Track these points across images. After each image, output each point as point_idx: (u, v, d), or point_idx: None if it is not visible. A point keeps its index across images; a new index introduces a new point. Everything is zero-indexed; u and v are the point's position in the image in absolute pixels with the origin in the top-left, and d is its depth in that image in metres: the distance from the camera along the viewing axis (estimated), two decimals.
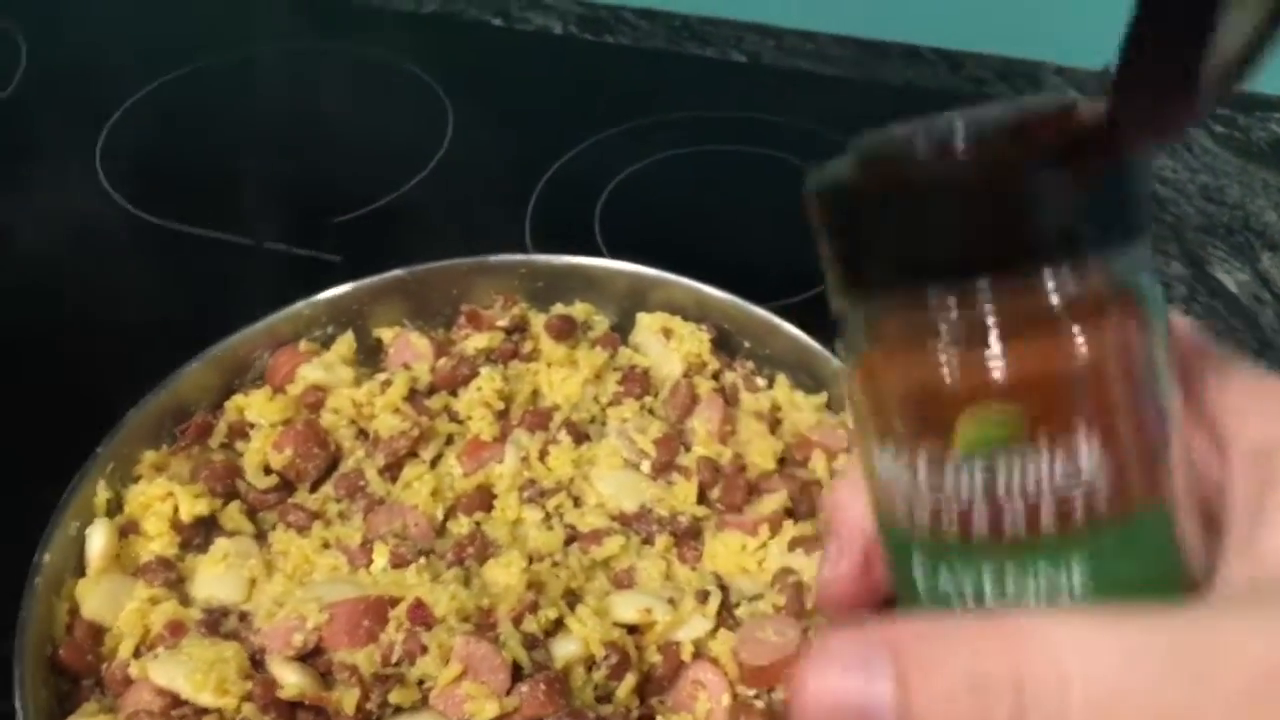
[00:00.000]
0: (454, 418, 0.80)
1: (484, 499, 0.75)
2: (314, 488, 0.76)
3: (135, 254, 1.04)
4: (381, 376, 0.80)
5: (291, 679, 0.61)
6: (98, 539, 0.68)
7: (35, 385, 0.89)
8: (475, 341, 0.82)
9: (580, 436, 0.80)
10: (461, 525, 0.73)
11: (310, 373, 0.79)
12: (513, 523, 0.74)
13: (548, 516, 0.75)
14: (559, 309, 0.84)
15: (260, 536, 0.73)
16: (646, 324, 0.85)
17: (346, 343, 0.83)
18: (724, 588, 0.70)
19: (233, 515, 0.73)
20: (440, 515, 0.74)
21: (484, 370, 0.80)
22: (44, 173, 1.11)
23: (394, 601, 0.65)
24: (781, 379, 0.82)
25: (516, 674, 0.62)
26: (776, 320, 0.83)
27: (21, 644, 0.61)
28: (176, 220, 1.07)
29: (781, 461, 0.78)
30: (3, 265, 0.99)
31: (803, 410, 0.79)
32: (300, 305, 0.83)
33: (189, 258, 1.04)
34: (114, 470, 0.72)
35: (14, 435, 0.84)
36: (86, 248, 1.03)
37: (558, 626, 0.66)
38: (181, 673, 0.61)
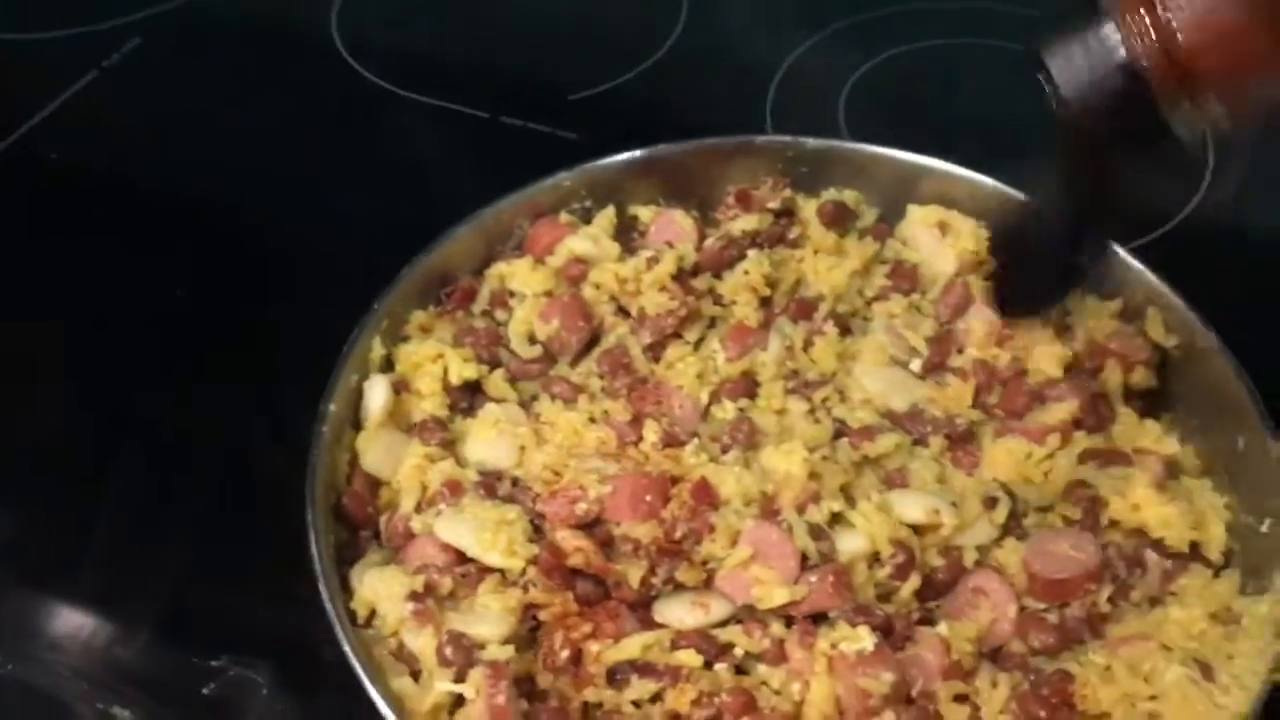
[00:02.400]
0: (717, 300, 0.77)
1: (748, 386, 0.72)
2: (574, 361, 0.75)
3: (380, 124, 1.04)
4: (646, 253, 0.77)
5: (579, 546, 0.60)
6: (378, 393, 0.68)
7: (306, 245, 0.89)
8: (743, 223, 0.78)
9: (845, 329, 0.76)
10: (726, 410, 0.71)
11: (576, 244, 0.77)
12: (778, 412, 0.71)
13: (814, 409, 0.72)
14: (831, 194, 0.80)
15: (524, 406, 0.72)
16: (918, 217, 0.80)
17: (608, 217, 0.80)
18: (1011, 496, 0.66)
19: (497, 383, 0.72)
20: (704, 399, 0.71)
21: (751, 254, 0.77)
22: (283, 46, 1.12)
23: (675, 480, 0.63)
24: None
25: (802, 564, 0.60)
26: None
27: (312, 488, 0.61)
28: (416, 92, 1.06)
29: (1068, 370, 0.73)
30: (267, 139, 1.00)
31: (1096, 316, 0.74)
32: (561, 176, 0.81)
33: (429, 129, 1.04)
34: (387, 328, 0.72)
35: (290, 292, 0.85)
36: (331, 116, 1.04)
37: (835, 520, 0.64)
38: (468, 531, 0.61)
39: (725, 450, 0.67)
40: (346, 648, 0.55)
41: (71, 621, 0.69)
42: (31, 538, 0.73)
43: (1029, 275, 0.72)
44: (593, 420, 0.69)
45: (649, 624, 0.60)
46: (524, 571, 0.60)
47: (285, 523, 0.67)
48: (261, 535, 0.71)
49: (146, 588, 0.70)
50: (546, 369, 0.74)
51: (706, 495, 0.62)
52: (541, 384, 0.73)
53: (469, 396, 0.72)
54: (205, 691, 0.66)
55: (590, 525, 0.62)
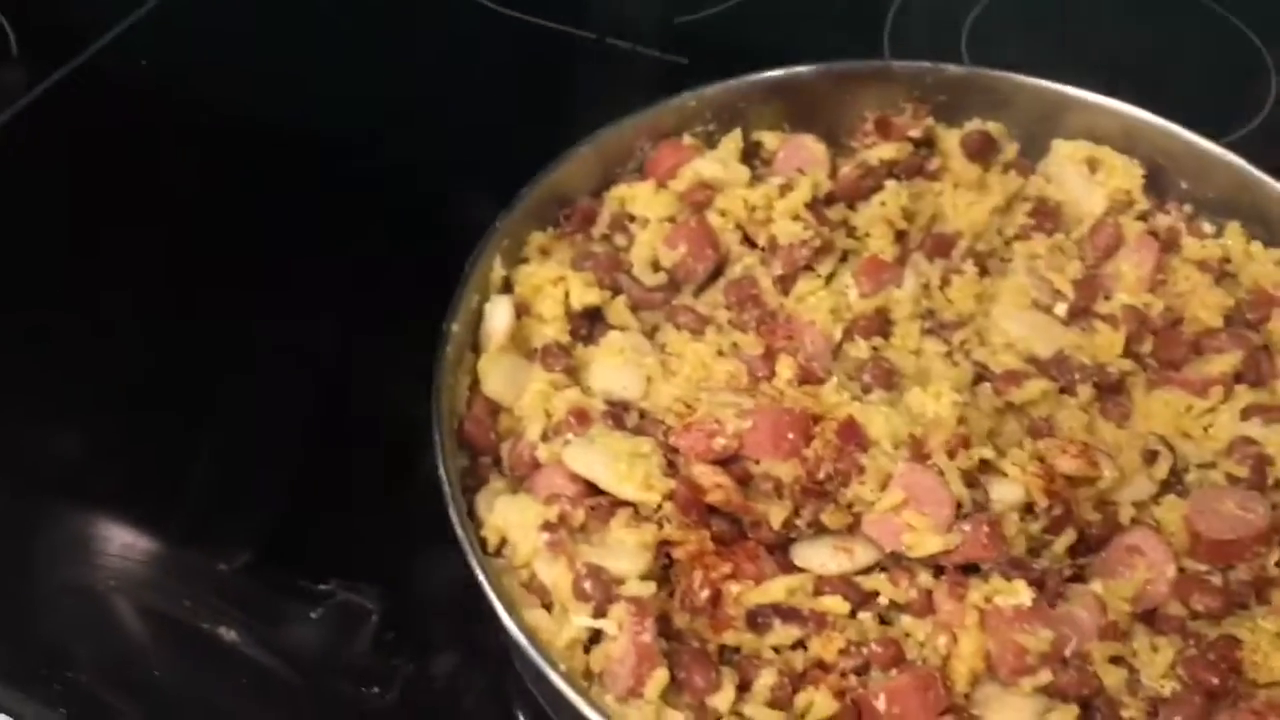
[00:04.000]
0: (850, 233, 0.73)
1: (882, 324, 0.68)
2: (698, 291, 0.71)
3: (484, 44, 0.99)
4: (777, 180, 0.73)
5: (719, 483, 0.56)
6: (501, 314, 0.65)
7: (416, 169, 0.86)
8: (881, 151, 0.74)
9: (984, 269, 0.72)
10: (860, 349, 0.67)
11: (703, 168, 0.73)
12: (914, 353, 0.68)
13: (951, 351, 0.68)
14: (975, 124, 0.75)
15: (646, 336, 0.68)
16: (1066, 153, 0.76)
17: (735, 141, 0.76)
18: (1171, 450, 0.62)
19: (619, 310, 0.69)
20: (837, 335, 0.68)
21: (889, 184, 0.73)
22: None
23: (816, 418, 0.60)
24: (1234, 227, 0.71)
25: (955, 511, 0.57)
26: (1228, 155, 0.72)
27: (438, 409, 0.58)
28: (522, 11, 1.02)
29: (1228, 319, 0.68)
30: (370, 62, 0.96)
31: (1261, 263, 0.69)
32: (685, 97, 0.77)
33: (535, 50, 0.99)
34: (507, 248, 0.69)
35: (404, 217, 0.82)
36: (435, 37, 1.00)
37: (984, 468, 0.60)
38: (601, 462, 0.57)
39: (866, 390, 0.63)
40: (480, 575, 0.52)
41: (176, 540, 0.67)
42: (139, 456, 0.70)
43: None
44: (721, 353, 0.66)
45: (787, 567, 0.57)
46: (659, 507, 0.57)
47: (403, 447, 0.65)
48: (376, 460, 0.69)
49: (255, 510, 0.68)
50: (670, 298, 0.70)
51: (853, 435, 0.58)
52: (665, 313, 0.69)
53: (589, 324, 0.69)
54: (313, 615, 0.64)
55: (727, 461, 0.59)
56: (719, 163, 0.74)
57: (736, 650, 0.55)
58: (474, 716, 0.60)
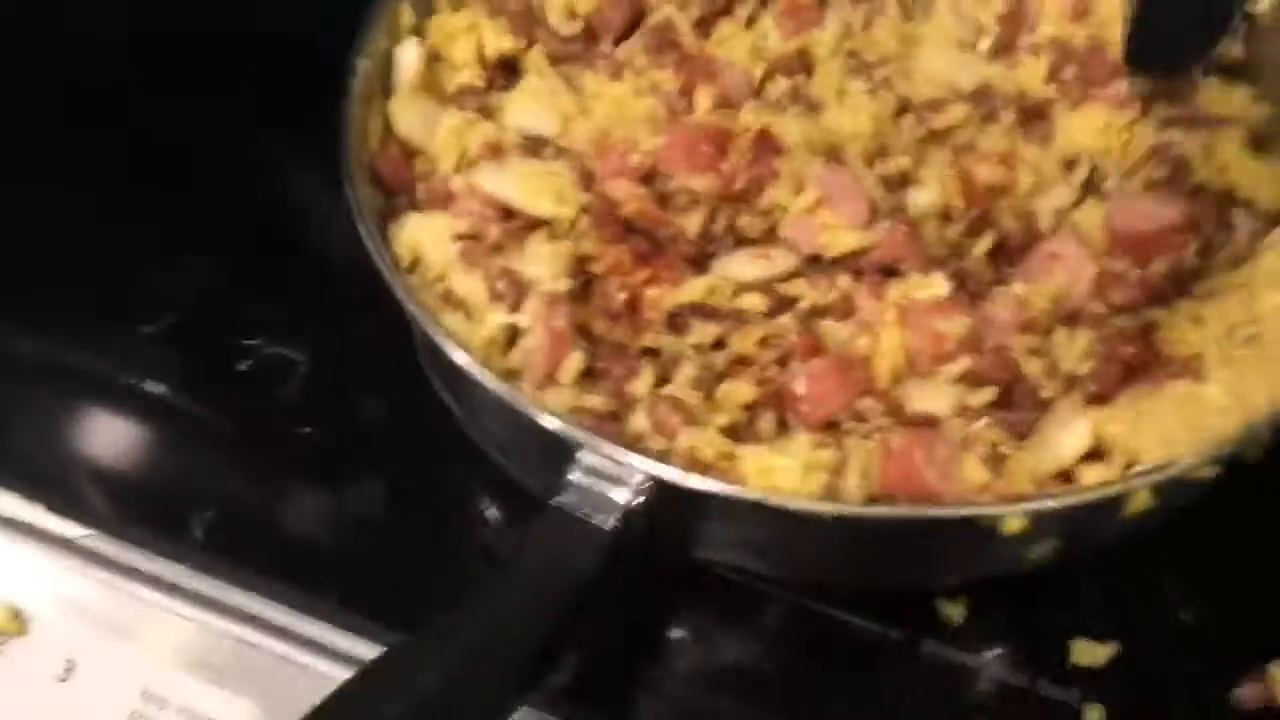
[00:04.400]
0: None
1: (803, 64, 0.67)
2: (616, 42, 0.69)
3: None
4: None
5: (633, 194, 0.56)
6: (409, 55, 0.63)
7: None
8: None
9: (907, 9, 0.71)
10: (780, 87, 0.66)
11: None
12: (836, 91, 0.67)
13: (874, 89, 0.67)
14: None
15: (562, 79, 0.67)
16: None
17: None
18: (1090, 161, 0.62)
19: (536, 60, 0.67)
20: (758, 75, 0.66)
21: None
22: None
23: (734, 134, 0.59)
24: None
25: (872, 215, 0.56)
26: None
27: (345, 138, 0.57)
28: None
29: None
30: None
31: None
32: None
33: None
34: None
35: None
36: None
37: (904, 182, 0.60)
38: (513, 182, 0.57)
39: (783, 109, 0.62)
40: (392, 285, 0.52)
41: (95, 303, 0.66)
42: (60, 218, 0.69)
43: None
44: (639, 94, 0.65)
45: (706, 275, 0.57)
46: (575, 221, 0.56)
47: (320, 204, 0.64)
48: (294, 216, 0.68)
49: (174, 274, 0.67)
50: (588, 49, 0.69)
51: (769, 145, 0.58)
52: (585, 62, 0.68)
53: (505, 76, 0.67)
54: (241, 368, 0.63)
55: (644, 181, 0.58)
56: None
57: (658, 353, 0.55)
58: (406, 453, 0.60)
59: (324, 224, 0.65)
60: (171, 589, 0.54)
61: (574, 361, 0.51)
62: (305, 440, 0.61)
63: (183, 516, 0.57)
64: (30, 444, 0.60)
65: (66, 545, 0.55)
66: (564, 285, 0.53)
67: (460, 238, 0.55)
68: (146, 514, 0.57)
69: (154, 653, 0.53)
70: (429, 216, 0.57)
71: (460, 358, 0.50)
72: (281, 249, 0.67)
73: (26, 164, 0.71)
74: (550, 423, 0.47)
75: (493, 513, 0.58)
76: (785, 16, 0.69)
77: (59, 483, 0.57)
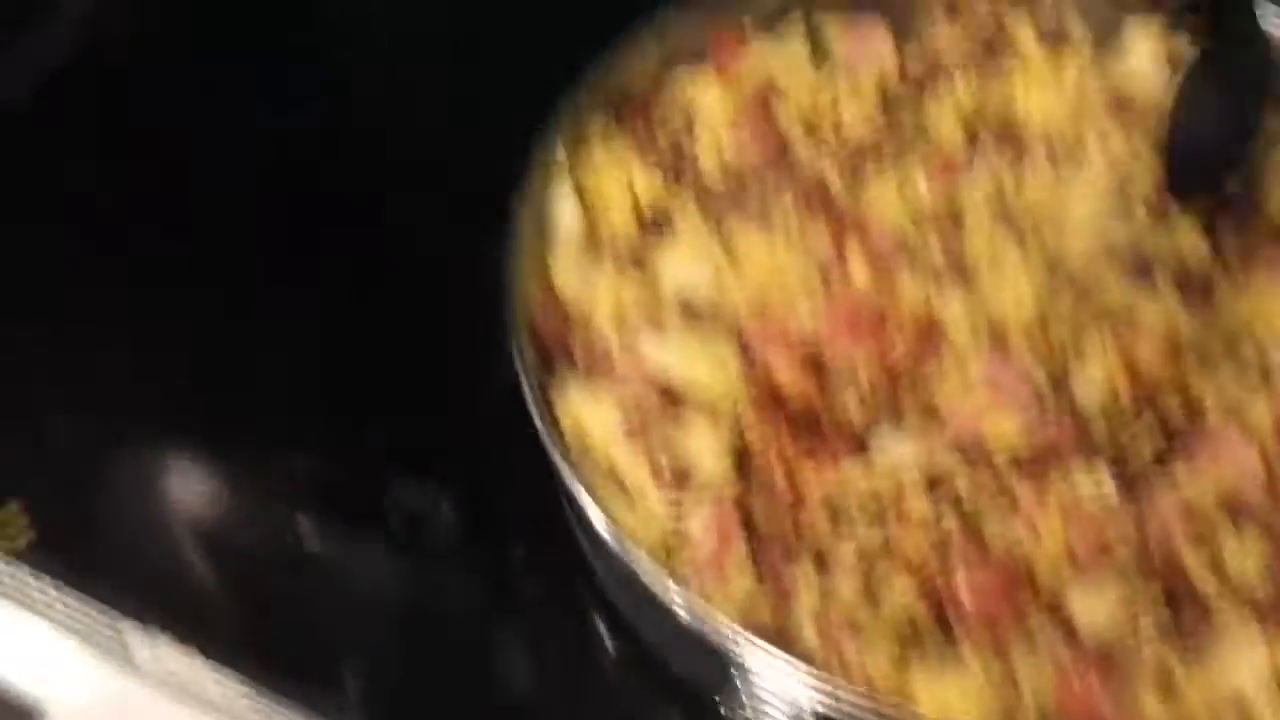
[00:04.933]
0: (918, 125, 0.71)
1: (953, 218, 0.67)
2: (764, 186, 0.69)
3: None
4: (843, 72, 0.71)
5: (793, 374, 0.56)
6: (567, 209, 0.64)
7: (465, 60, 0.84)
8: (949, 39, 0.71)
9: (1058, 162, 0.70)
10: (929, 242, 0.65)
11: (769, 59, 0.71)
12: (986, 246, 0.66)
13: (1025, 244, 0.66)
14: (1050, 12, 0.73)
15: (714, 230, 0.67)
16: (1142, 44, 0.73)
17: (798, 28, 0.74)
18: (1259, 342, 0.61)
19: (684, 205, 0.67)
20: (907, 229, 0.66)
21: (958, 74, 0.70)
22: None
23: (892, 309, 0.59)
24: None
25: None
26: None
27: (510, 299, 0.58)
28: None
29: None
30: None
31: None
32: None
33: None
34: (569, 137, 0.67)
35: (459, 110, 0.80)
36: None
37: (1065, 358, 0.59)
38: (674, 354, 0.57)
39: (941, 281, 0.62)
40: (559, 463, 0.52)
41: (247, 443, 0.67)
42: (200, 345, 0.70)
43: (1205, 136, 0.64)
44: (790, 248, 0.65)
45: (865, 460, 0.56)
46: (734, 402, 0.56)
47: (471, 345, 0.65)
48: (443, 359, 0.69)
49: (324, 413, 0.68)
50: (734, 194, 0.69)
51: (931, 325, 0.57)
52: (731, 209, 0.68)
53: (654, 219, 0.68)
54: (383, 500, 0.64)
55: (803, 355, 0.58)
56: (783, 54, 0.72)
57: (817, 543, 0.54)
58: (547, 609, 0.61)
59: (477, 368, 0.65)
60: None
61: (740, 559, 0.50)
62: (448, 597, 0.61)
63: (336, 675, 0.58)
64: (181, 582, 0.61)
65: (224, 699, 0.56)
66: (729, 474, 0.53)
67: (624, 414, 0.55)
68: (298, 673, 0.57)
69: None
70: (593, 389, 0.57)
71: (622, 547, 0.50)
72: (431, 389, 0.68)
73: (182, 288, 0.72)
74: (716, 633, 0.47)
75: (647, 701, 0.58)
76: (934, 168, 0.68)
77: (215, 629, 0.58)
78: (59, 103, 0.81)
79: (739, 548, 0.51)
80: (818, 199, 0.67)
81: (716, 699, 0.47)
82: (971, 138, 0.70)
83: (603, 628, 0.58)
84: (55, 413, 0.67)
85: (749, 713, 0.46)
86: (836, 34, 0.74)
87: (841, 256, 0.63)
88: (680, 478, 0.53)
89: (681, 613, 0.48)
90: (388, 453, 0.65)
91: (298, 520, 0.63)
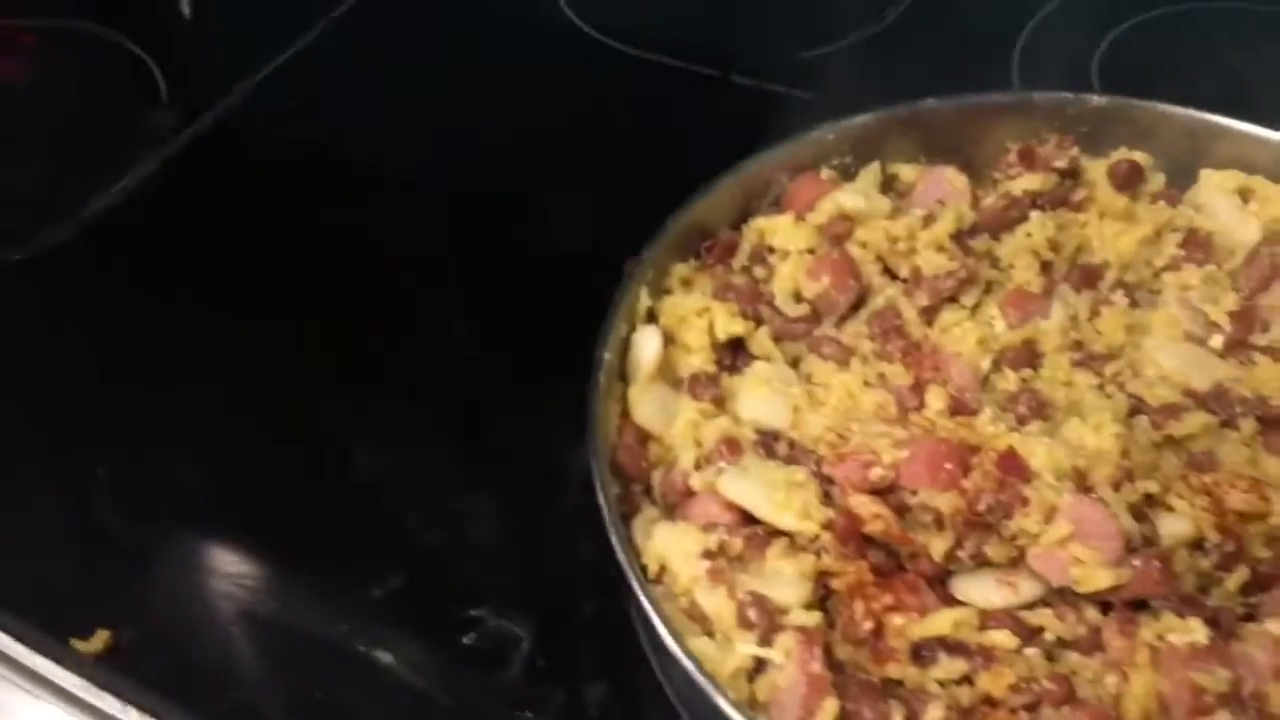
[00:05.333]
0: (994, 264, 0.72)
1: (1030, 355, 0.67)
2: (839, 323, 0.71)
3: (603, 82, 1.01)
4: (919, 211, 0.73)
5: (878, 514, 0.56)
6: (650, 344, 0.65)
7: (548, 209, 0.88)
8: (1025, 182, 0.73)
9: (1133, 300, 0.71)
10: (1008, 380, 0.66)
11: (846, 200, 0.73)
12: (1065, 385, 0.66)
13: (1103, 383, 0.66)
14: (1123, 153, 0.74)
15: (790, 366, 0.68)
16: (1216, 182, 0.74)
17: (873, 174, 0.76)
18: None
19: (761, 340, 0.69)
20: (985, 367, 0.67)
21: (1033, 215, 0.72)
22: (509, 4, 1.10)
23: (974, 448, 0.59)
24: None
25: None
26: None
27: (593, 436, 0.59)
28: (641, 48, 1.03)
29: None
30: (493, 104, 0.99)
31: None
32: (823, 130, 0.77)
33: (655, 87, 1.01)
34: (651, 279, 0.69)
35: (541, 255, 0.84)
36: (559, 76, 1.02)
37: (1149, 503, 0.58)
38: (758, 491, 0.58)
39: (1022, 422, 0.62)
40: (645, 601, 0.53)
41: (331, 565, 0.68)
42: (292, 485, 0.72)
43: None
44: (867, 383, 0.66)
45: (947, 600, 0.56)
46: (816, 538, 0.57)
47: (552, 477, 0.66)
48: (525, 489, 0.70)
49: (406, 537, 0.69)
50: (811, 329, 0.70)
51: (1015, 466, 0.57)
52: (808, 344, 0.69)
53: (732, 355, 0.69)
54: (465, 641, 0.64)
55: (884, 492, 0.58)
56: (859, 194, 0.74)
57: (899, 684, 0.54)
58: None
59: (560, 496, 0.67)
60: None
61: (830, 708, 0.50)
62: None
63: None
64: (261, 695, 0.62)
65: None
66: (816, 619, 0.53)
67: (708, 554, 0.55)
68: None
69: None
70: (676, 527, 0.58)
71: (709, 688, 0.50)
72: (512, 520, 0.69)
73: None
74: None
75: None
76: (1010, 305, 0.69)
77: None
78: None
79: (825, 686, 0.50)
80: (894, 334, 0.68)
81: None
82: (1048, 278, 0.71)
83: None
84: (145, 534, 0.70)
85: None
86: (912, 179, 0.77)
87: (919, 391, 0.64)
88: (769, 625, 0.53)
89: None
90: (474, 583, 0.66)
91: (384, 644, 0.64)
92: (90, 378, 0.79)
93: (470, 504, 0.70)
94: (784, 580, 0.55)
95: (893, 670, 0.53)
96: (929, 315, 0.69)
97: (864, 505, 0.57)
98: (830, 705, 0.50)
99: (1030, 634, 0.55)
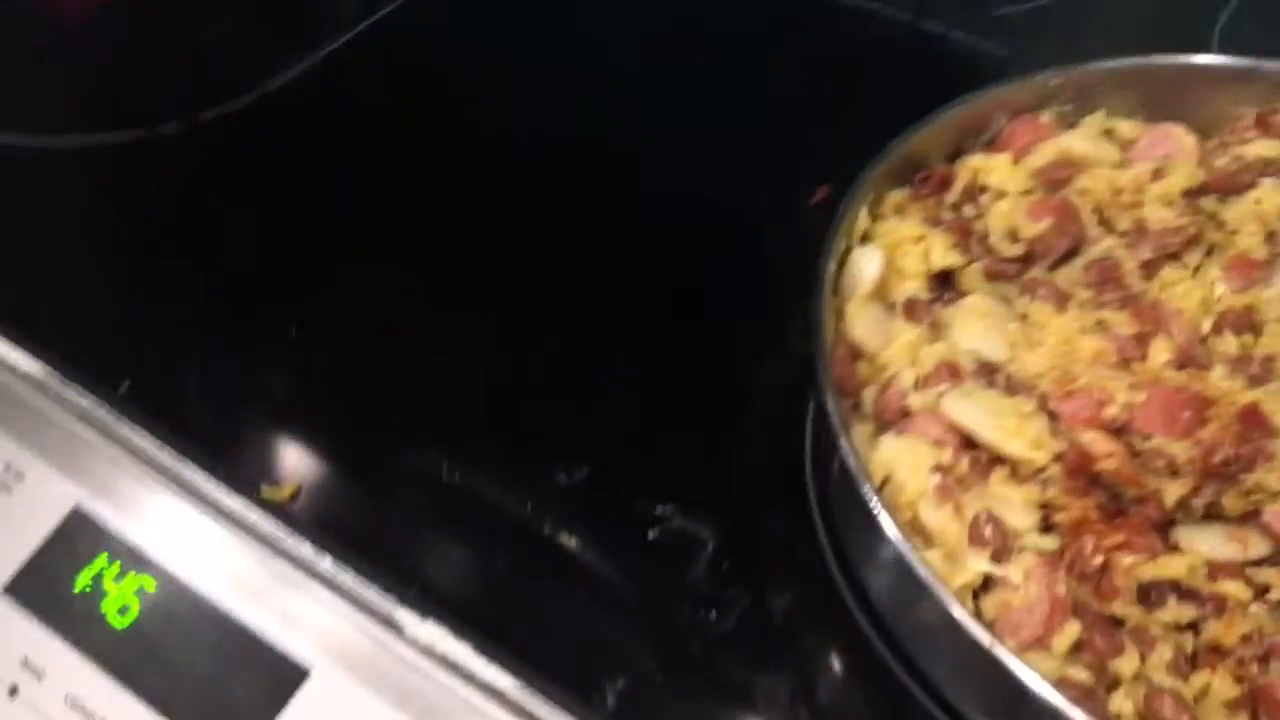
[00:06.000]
0: (1219, 227, 0.70)
1: (1251, 321, 0.65)
2: (1052, 267, 0.69)
3: (792, 26, 0.99)
4: (1147, 164, 0.71)
5: (1112, 451, 0.55)
6: (872, 262, 0.65)
7: (745, 146, 0.86)
8: (1260, 148, 0.71)
9: None
10: (1228, 344, 0.64)
11: (1073, 144, 0.71)
12: None
13: None
14: None
15: (1004, 302, 0.67)
16: None
17: (1097, 123, 0.74)
18: None
19: (973, 277, 0.68)
20: (1205, 328, 0.65)
21: (1265, 182, 0.70)
22: None
23: (1209, 401, 0.58)
24: None
25: None
26: None
27: (820, 346, 0.58)
28: None
29: None
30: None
31: None
32: (1047, 75, 0.75)
33: (845, 31, 0.99)
34: (871, 203, 0.68)
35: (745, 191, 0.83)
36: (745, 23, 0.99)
37: None
38: (986, 415, 0.56)
39: (1255, 381, 0.60)
40: (874, 505, 0.52)
41: (521, 448, 0.68)
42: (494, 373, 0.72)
43: None
44: (1085, 330, 0.64)
45: (1170, 547, 0.55)
46: (1045, 469, 0.55)
47: (740, 383, 0.66)
48: (727, 392, 0.70)
49: (591, 427, 0.69)
50: (1023, 270, 0.69)
51: (1258, 421, 0.56)
52: (1022, 285, 0.68)
53: (941, 287, 0.68)
54: (650, 536, 0.64)
55: (1114, 433, 0.57)
56: (1082, 142, 0.72)
57: (1123, 622, 0.53)
58: (816, 657, 0.60)
59: (749, 414, 0.66)
60: None
61: (1071, 631, 0.49)
62: (710, 627, 0.61)
63: (595, 679, 0.58)
64: (453, 582, 0.62)
65: (492, 691, 0.56)
66: (1055, 544, 0.52)
67: (939, 469, 0.54)
68: (561, 670, 0.57)
69: None
70: (904, 440, 0.57)
71: (946, 599, 0.49)
72: (703, 426, 0.68)
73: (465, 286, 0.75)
74: (1050, 695, 0.46)
75: None
76: (1233, 270, 0.67)
77: (484, 621, 0.59)
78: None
79: (1068, 608, 0.50)
80: (1113, 285, 0.67)
81: None
82: (1272, 247, 0.69)
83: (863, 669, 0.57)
84: (348, 407, 0.70)
85: None
86: (1132, 134, 0.75)
87: (1142, 342, 0.63)
88: (1003, 546, 0.52)
89: (1008, 665, 0.47)
90: (665, 479, 0.66)
91: (568, 529, 0.64)
92: (279, 244, 0.79)
93: (661, 409, 0.70)
94: (1013, 506, 0.54)
95: (1117, 608, 0.52)
96: (1149, 270, 0.68)
97: (1098, 442, 0.55)
98: (1072, 628, 0.49)
99: (1260, 590, 0.53)
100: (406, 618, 0.58)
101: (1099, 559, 0.53)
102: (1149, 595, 0.53)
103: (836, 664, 0.60)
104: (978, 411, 0.57)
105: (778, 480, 0.65)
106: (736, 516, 0.65)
